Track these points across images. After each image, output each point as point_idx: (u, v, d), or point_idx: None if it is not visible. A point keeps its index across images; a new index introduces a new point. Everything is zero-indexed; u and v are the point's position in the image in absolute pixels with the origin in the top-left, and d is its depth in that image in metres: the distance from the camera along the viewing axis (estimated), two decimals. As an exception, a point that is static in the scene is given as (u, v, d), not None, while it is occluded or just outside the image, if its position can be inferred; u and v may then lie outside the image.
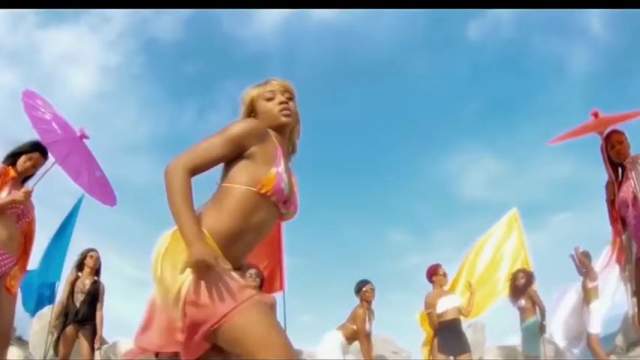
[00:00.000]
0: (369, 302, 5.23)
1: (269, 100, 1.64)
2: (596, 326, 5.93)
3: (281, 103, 1.63)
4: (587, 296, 6.05)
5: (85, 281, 5.14)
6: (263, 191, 1.48)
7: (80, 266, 5.24)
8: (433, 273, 5.33)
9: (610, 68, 16.22)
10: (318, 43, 17.92)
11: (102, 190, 3.92)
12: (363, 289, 5.20)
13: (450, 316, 5.09)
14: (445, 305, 5.12)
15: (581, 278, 5.96)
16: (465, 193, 18.58)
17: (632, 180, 3.21)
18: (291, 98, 1.67)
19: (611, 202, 3.37)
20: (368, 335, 5.25)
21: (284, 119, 1.63)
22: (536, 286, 6.21)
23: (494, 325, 7.23)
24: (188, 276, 1.34)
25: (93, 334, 5.05)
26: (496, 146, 17.72)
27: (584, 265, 6.00)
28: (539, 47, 17.26)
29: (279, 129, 1.64)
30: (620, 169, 3.42)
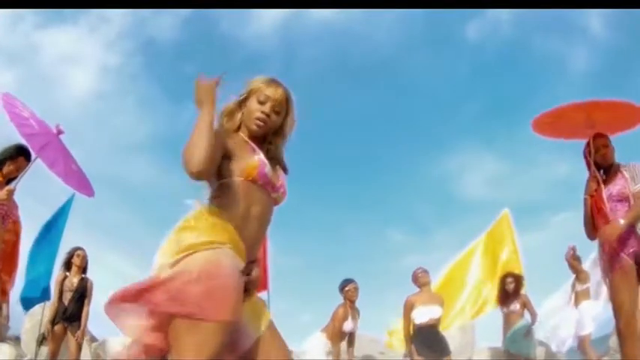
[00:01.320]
0: (352, 301, 5.18)
1: (260, 102, 1.68)
2: (587, 327, 5.88)
3: (262, 112, 1.67)
4: (577, 299, 6.02)
5: (73, 279, 5.23)
6: (250, 178, 1.58)
7: (68, 265, 5.32)
8: (414, 278, 5.28)
9: (610, 68, 16.11)
10: (317, 43, 17.91)
11: (78, 181, 4.02)
12: (346, 288, 5.16)
13: (429, 324, 5.01)
14: (424, 316, 5.01)
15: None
16: (464, 193, 18.51)
17: (628, 181, 3.26)
18: (279, 112, 1.71)
19: (592, 197, 3.37)
20: (352, 335, 5.24)
21: (253, 127, 1.69)
22: (526, 289, 6.21)
23: (485, 326, 7.18)
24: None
25: (79, 327, 5.13)
26: (496, 146, 17.65)
27: (574, 268, 5.96)
28: (539, 47, 17.19)
29: (250, 132, 1.70)
30: (602, 172, 3.44)
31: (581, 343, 5.95)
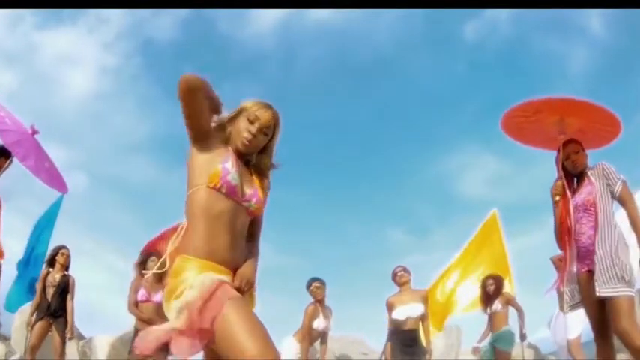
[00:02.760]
0: (318, 300, 5.15)
1: (249, 122, 1.75)
2: (573, 330, 5.85)
3: (249, 132, 1.74)
4: (562, 302, 5.98)
5: (56, 275, 5.34)
6: (212, 185, 1.64)
7: (52, 262, 5.42)
8: (393, 277, 5.20)
9: (609, 68, 16.04)
10: (316, 43, 17.95)
11: (50, 177, 4.26)
12: (310, 287, 5.15)
13: (408, 326, 4.93)
14: (403, 314, 4.94)
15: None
16: (464, 193, 18.47)
17: (594, 186, 3.06)
18: (266, 134, 1.78)
19: (556, 203, 3.20)
20: (325, 334, 5.22)
21: (240, 146, 1.75)
22: (513, 290, 6.19)
23: (471, 328, 7.14)
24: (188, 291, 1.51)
25: (65, 326, 5.23)
26: (496, 146, 17.56)
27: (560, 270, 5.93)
28: (538, 46, 17.14)
29: (236, 149, 1.77)
30: (575, 180, 3.24)
31: (570, 347, 5.93)
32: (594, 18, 16.30)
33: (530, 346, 7.35)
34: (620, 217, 3.17)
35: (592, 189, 3.07)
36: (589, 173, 3.15)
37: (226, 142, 1.77)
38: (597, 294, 2.87)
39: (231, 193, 1.66)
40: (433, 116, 17.74)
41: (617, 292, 2.84)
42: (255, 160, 1.82)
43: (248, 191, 1.72)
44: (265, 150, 1.83)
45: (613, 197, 3.04)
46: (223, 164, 1.67)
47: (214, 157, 1.69)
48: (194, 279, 1.52)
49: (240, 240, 1.70)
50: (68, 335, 5.21)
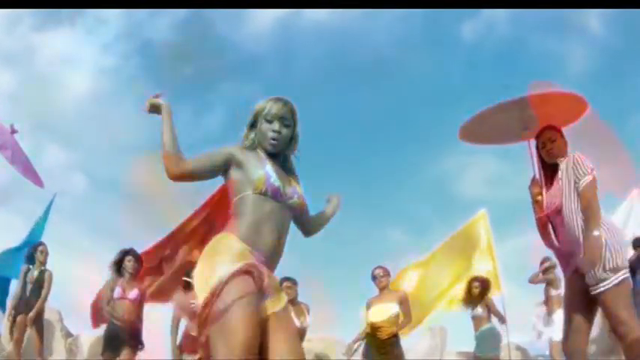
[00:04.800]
0: (289, 300, 5.06)
1: (268, 121, 1.84)
2: (558, 334, 5.79)
3: (274, 131, 1.83)
4: (550, 304, 5.95)
5: (35, 272, 5.46)
6: (258, 191, 1.74)
7: (31, 259, 5.53)
8: (372, 279, 5.08)
9: (608, 68, 15.82)
10: (314, 43, 17.93)
11: (27, 171, 4.54)
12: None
13: (380, 322, 4.73)
14: (377, 315, 4.79)
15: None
16: (464, 192, 18.34)
17: (560, 182, 2.78)
18: (288, 125, 1.86)
19: (537, 203, 2.93)
20: (302, 333, 5.14)
21: (269, 147, 1.85)
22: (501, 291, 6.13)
23: (457, 330, 7.07)
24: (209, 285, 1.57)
25: (40, 323, 5.47)
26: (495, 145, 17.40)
27: (545, 278, 5.97)
28: (537, 46, 16.97)
29: (267, 151, 1.86)
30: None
31: (552, 350, 5.90)
32: (593, 18, 16.07)
33: (519, 348, 7.26)
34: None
35: (558, 189, 2.79)
36: (560, 167, 2.84)
37: (254, 148, 1.85)
38: (591, 293, 2.57)
39: (276, 195, 1.76)
40: (433, 116, 17.62)
41: (606, 285, 2.54)
42: (287, 155, 1.93)
43: (288, 189, 1.82)
44: (292, 140, 1.91)
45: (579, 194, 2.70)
46: (264, 169, 1.77)
47: (250, 165, 1.77)
48: (224, 269, 1.57)
49: (282, 241, 1.79)
50: (31, 314, 5.25)
